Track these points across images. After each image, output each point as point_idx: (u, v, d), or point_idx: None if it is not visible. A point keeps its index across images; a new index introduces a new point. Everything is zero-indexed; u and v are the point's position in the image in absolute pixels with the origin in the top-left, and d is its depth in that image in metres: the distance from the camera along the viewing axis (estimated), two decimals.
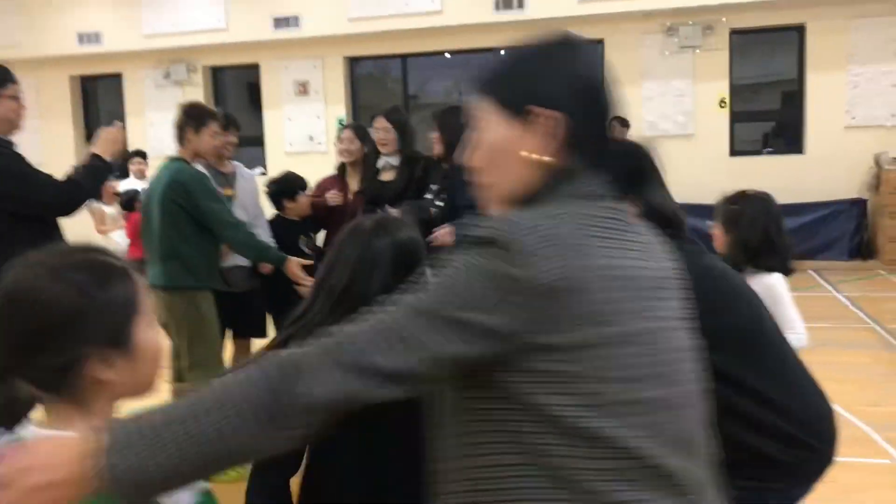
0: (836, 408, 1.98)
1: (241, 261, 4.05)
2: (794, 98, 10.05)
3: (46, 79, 11.60)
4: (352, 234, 1.69)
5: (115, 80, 11.78)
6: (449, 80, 12.32)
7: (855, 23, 9.52)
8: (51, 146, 11.12)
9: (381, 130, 4.25)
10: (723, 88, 10.01)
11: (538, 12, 9.86)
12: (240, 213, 4.09)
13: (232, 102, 11.94)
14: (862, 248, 9.41)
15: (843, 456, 1.96)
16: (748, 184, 10.11)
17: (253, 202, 4.26)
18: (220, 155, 4.10)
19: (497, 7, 10.01)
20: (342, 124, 11.20)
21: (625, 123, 8.95)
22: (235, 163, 4.33)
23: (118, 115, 11.78)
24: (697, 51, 9.93)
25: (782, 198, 10.52)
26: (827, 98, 9.70)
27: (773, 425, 1.84)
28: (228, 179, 4.19)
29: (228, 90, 11.98)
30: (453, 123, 3.86)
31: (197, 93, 11.33)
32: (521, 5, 9.95)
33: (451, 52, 10.91)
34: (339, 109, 11.17)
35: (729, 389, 1.78)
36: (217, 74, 11.71)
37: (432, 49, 10.76)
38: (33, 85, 11.76)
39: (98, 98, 12.16)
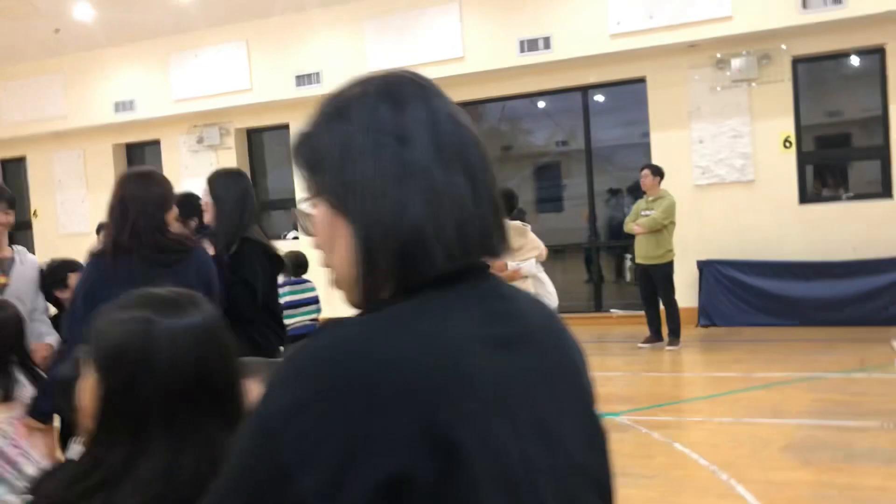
0: None
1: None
2: (876, 133, 8.45)
3: (91, 148, 11.67)
4: None
5: (155, 146, 11.68)
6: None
7: None
8: (98, 214, 11.05)
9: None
10: (787, 126, 8.56)
11: (566, 51, 8.85)
12: (14, 304, 3.44)
13: (271, 163, 11.59)
14: None
15: None
16: (823, 235, 8.41)
17: (32, 292, 3.54)
18: None
19: (522, 49, 9.06)
20: None
21: (657, 171, 7.88)
22: (17, 247, 3.65)
23: None
24: (754, 84, 8.57)
25: (866, 251, 8.74)
26: None
27: None
28: (2, 265, 3.50)
29: (266, 152, 11.62)
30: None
31: (230, 156, 11.02)
32: (547, 45, 8.96)
33: (476, 102, 10.02)
34: None
35: None
36: (252, 136, 11.37)
37: (457, 99, 9.92)
38: (80, 155, 11.90)
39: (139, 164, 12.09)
